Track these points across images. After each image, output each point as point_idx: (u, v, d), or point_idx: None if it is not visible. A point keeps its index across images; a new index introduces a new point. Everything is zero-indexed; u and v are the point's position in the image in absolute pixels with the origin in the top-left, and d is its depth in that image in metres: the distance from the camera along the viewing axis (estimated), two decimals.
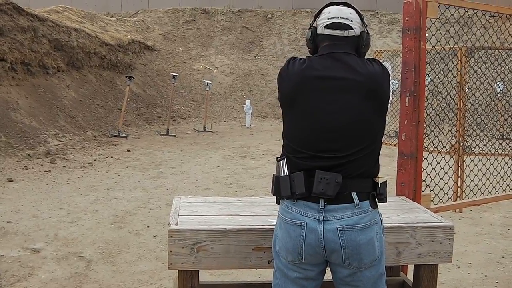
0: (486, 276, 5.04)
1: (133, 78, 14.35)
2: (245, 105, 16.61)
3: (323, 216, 2.43)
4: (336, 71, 2.48)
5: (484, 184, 5.43)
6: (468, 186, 5.54)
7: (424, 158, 3.83)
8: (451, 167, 5.14)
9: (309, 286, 2.55)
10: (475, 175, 5.34)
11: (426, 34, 3.74)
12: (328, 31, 2.54)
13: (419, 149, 3.71)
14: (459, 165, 7.07)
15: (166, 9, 21.30)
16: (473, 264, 5.33)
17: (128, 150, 11.40)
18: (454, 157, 6.99)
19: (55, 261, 5.09)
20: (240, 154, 11.79)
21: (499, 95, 13.15)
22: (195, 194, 7.90)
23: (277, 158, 2.60)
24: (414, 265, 3.08)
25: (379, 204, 2.55)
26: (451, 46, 7.68)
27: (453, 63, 7.15)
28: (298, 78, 2.51)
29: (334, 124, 2.45)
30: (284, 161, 2.54)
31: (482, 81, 7.93)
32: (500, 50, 8.36)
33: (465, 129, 7.28)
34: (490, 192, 5.09)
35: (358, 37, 2.54)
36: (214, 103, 17.84)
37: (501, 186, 5.19)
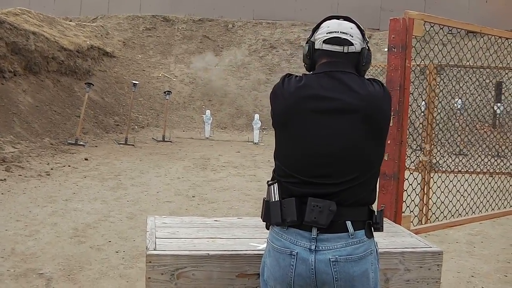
0: None
1: (92, 85, 14.02)
2: (204, 115, 16.42)
3: (315, 246, 2.26)
4: (333, 92, 2.31)
5: (451, 201, 5.39)
6: (434, 204, 5.51)
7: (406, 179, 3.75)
8: (419, 185, 5.09)
9: None
10: (442, 192, 5.30)
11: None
12: (326, 47, 2.37)
13: (401, 170, 3.62)
14: (426, 183, 7.03)
15: (126, 15, 20.96)
16: (444, 284, 5.26)
17: (86, 159, 11.08)
18: (422, 175, 6.95)
19: (13, 279, 4.81)
20: (201, 165, 11.60)
21: (458, 112, 13.35)
22: (157, 207, 7.69)
23: (268, 182, 2.41)
24: None
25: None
26: (418, 63, 7.71)
27: (419, 80, 7.15)
28: (292, 98, 2.34)
29: (327, 149, 2.29)
30: (275, 185, 2.36)
31: (449, 98, 7.98)
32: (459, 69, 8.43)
33: (433, 146, 7.26)
34: (457, 211, 5.05)
35: (359, 53, 2.38)
36: (173, 112, 17.59)
37: (468, 204, 5.15)
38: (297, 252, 2.28)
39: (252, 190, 9.13)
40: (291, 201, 2.29)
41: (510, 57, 6.34)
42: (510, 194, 6.27)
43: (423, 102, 10.66)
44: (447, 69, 7.58)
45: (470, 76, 8.15)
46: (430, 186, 7.00)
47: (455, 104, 13.92)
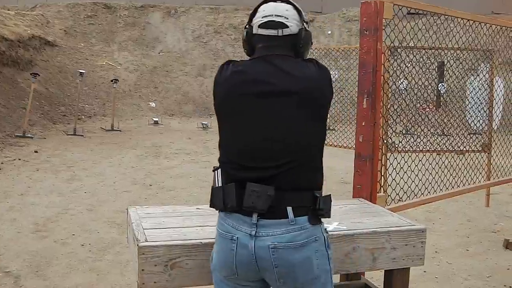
0: (425, 272, 5.11)
1: (38, 75, 13.68)
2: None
3: (255, 232, 2.24)
4: (267, 76, 2.28)
5: (407, 181, 5.50)
6: (398, 184, 5.62)
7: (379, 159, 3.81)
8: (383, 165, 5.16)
9: None
10: (397, 173, 5.41)
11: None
12: (262, 31, 2.35)
13: (375, 151, 3.68)
14: (383, 164, 7.15)
15: (66, 3, 20.41)
16: None
17: (36, 152, 10.81)
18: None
19: None
20: (153, 153, 11.50)
21: (403, 92, 13.63)
22: (115, 198, 7.59)
23: (213, 168, 2.42)
24: (385, 270, 3.03)
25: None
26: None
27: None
28: (228, 84, 2.33)
29: (263, 133, 2.27)
30: (219, 171, 2.37)
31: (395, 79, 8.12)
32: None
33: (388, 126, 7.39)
34: (417, 189, 5.16)
35: (296, 35, 2.34)
36: (119, 101, 17.29)
37: (424, 183, 5.25)
38: (237, 237, 2.27)
39: (208, 176, 9.02)
40: (231, 186, 2.28)
41: (448, 38, 6.49)
42: (461, 170, 6.46)
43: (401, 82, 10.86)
44: (400, 50, 7.68)
45: (414, 57, 8.33)
46: (387, 167, 7.12)
47: (401, 85, 14.24)
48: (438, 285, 4.85)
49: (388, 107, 7.28)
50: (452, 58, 8.39)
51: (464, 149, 7.27)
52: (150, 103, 18.18)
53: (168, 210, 3.21)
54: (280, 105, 2.25)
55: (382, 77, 3.65)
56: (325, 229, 2.37)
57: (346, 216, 3.13)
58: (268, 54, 2.33)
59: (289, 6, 2.37)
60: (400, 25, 4.17)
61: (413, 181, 4.69)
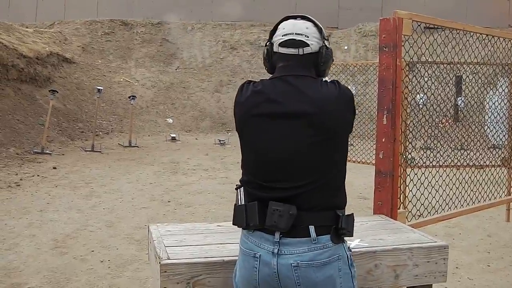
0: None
1: (57, 92, 13.82)
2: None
3: (278, 249, 2.25)
4: (283, 96, 2.28)
5: (428, 196, 5.48)
6: (419, 200, 5.59)
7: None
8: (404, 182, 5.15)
9: None
10: (418, 188, 5.38)
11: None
12: (282, 50, 2.35)
13: (395, 167, 3.66)
14: (403, 179, 7.10)
15: (84, 20, 20.66)
16: None
17: (54, 168, 10.88)
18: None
19: None
20: (171, 169, 11.52)
21: (420, 106, 13.57)
22: (134, 214, 7.61)
23: (236, 186, 2.42)
24: (407, 287, 3.01)
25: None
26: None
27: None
28: (247, 105, 2.35)
29: (278, 154, 2.28)
30: (241, 190, 2.37)
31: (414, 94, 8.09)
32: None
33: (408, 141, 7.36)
34: (440, 206, 5.13)
35: (317, 53, 2.34)
36: (136, 117, 17.41)
37: (444, 200, 5.22)
38: (260, 255, 2.28)
39: (226, 193, 9.10)
40: (253, 205, 2.29)
41: (467, 52, 6.47)
42: (481, 185, 6.41)
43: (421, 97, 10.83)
44: (419, 66, 7.68)
45: (433, 71, 8.29)
46: (407, 184, 7.08)
47: (420, 100, 14.18)
48: None
49: (408, 122, 7.26)
50: (470, 72, 8.36)
51: (484, 163, 7.23)
52: (167, 119, 18.28)
53: (188, 227, 3.22)
54: (291, 127, 2.26)
55: (401, 93, 3.64)
56: (348, 247, 2.37)
57: (367, 233, 3.12)
58: (287, 74, 2.31)
59: (309, 24, 2.36)
60: (418, 40, 4.17)
61: (433, 197, 4.66)
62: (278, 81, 2.33)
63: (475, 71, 8.03)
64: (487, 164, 7.19)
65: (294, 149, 2.25)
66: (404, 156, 7.08)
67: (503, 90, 7.46)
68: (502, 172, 6.78)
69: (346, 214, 2.32)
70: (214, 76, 20.23)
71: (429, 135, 10.08)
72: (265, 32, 21.37)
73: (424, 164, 7.29)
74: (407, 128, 6.98)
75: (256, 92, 2.33)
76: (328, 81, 2.35)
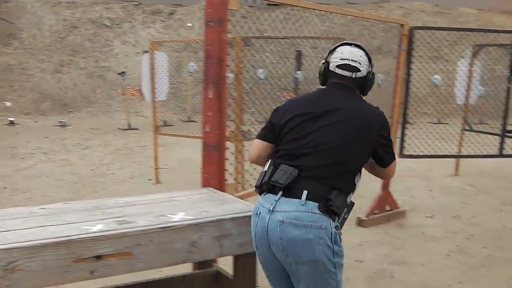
0: None
1: None
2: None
3: (274, 207, 2.64)
4: (334, 99, 2.83)
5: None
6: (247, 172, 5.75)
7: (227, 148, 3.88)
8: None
9: (270, 272, 2.84)
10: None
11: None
12: (339, 71, 2.88)
13: (222, 140, 3.74)
14: (239, 151, 7.25)
15: None
16: None
17: None
18: (235, 143, 7.17)
19: None
20: (8, 155, 10.95)
21: (261, 80, 13.92)
22: None
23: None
24: (234, 256, 3.10)
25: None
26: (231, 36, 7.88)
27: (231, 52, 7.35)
28: (299, 104, 2.89)
29: (310, 136, 2.73)
30: (270, 160, 2.82)
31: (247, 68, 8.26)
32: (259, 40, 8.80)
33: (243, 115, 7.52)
34: None
35: (365, 77, 2.89)
36: None
37: None
38: (260, 212, 2.71)
39: (65, 175, 8.85)
40: (270, 166, 2.77)
41: (305, 27, 6.75)
42: None
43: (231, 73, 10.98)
44: (254, 41, 7.85)
45: (275, 46, 8.57)
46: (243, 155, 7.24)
47: (258, 74, 14.53)
48: None
49: (243, 96, 7.39)
50: (310, 47, 8.69)
51: None
52: (5, 102, 17.31)
53: (11, 212, 3.10)
54: (332, 118, 2.74)
55: (237, 67, 3.71)
56: (336, 226, 2.67)
57: (193, 205, 3.17)
58: (338, 83, 2.88)
59: (362, 53, 2.91)
60: (260, 16, 4.26)
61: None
62: (332, 86, 2.91)
63: (315, 46, 8.39)
64: None
65: (328, 139, 2.71)
66: (240, 130, 7.24)
67: None
68: None
69: (342, 195, 2.67)
70: (54, 56, 19.39)
71: (271, 108, 10.31)
72: (108, 10, 20.85)
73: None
74: (242, 102, 7.12)
75: (313, 93, 2.96)
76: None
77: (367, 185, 7.83)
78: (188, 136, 9.07)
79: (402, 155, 6.28)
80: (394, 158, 2.94)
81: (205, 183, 3.72)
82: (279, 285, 2.87)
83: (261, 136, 2.96)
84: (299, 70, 14.15)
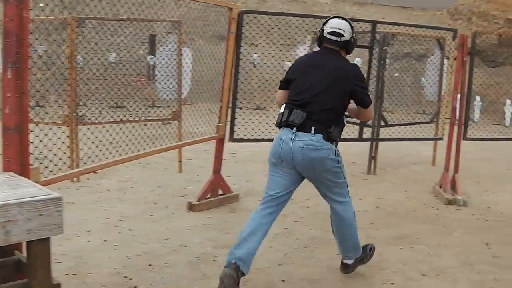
0: (105, 241, 5.18)
1: None
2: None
3: (294, 137, 4.08)
4: (322, 59, 4.29)
5: (100, 151, 5.57)
6: (86, 154, 5.61)
7: (31, 131, 3.72)
8: (59, 138, 5.11)
9: (282, 176, 4.23)
10: (90, 143, 5.42)
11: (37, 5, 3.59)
12: (329, 36, 4.27)
13: (24, 122, 3.57)
14: (73, 135, 7.05)
15: None
16: (93, 231, 5.43)
17: None
18: (67, 128, 6.96)
19: None
20: None
21: (112, 65, 13.48)
22: None
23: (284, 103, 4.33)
24: (27, 242, 2.97)
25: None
26: (62, 17, 7.59)
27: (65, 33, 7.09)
28: (299, 61, 4.45)
29: (308, 86, 4.16)
30: (285, 104, 4.24)
31: (95, 51, 8.02)
32: (113, 22, 8.52)
33: (78, 99, 7.29)
34: (106, 159, 5.24)
35: (348, 41, 4.29)
36: None
37: (117, 151, 5.36)
38: (284, 138, 4.13)
39: None
40: (287, 111, 4.16)
41: (163, 11, 6.65)
42: (157, 138, 6.68)
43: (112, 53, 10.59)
44: (88, 22, 7.60)
45: (125, 30, 8.33)
46: (77, 139, 7.04)
47: (109, 58, 14.10)
48: (116, 252, 4.92)
49: (76, 78, 7.17)
50: (166, 31, 8.52)
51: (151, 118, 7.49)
52: None
53: None
54: (324, 75, 4.15)
55: (29, 46, 3.54)
56: (336, 147, 4.22)
57: None
58: (327, 47, 4.29)
59: (346, 23, 4.30)
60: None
61: (86, 153, 4.67)
62: (322, 51, 4.35)
63: (170, 30, 8.24)
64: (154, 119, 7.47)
65: (321, 86, 4.13)
66: (75, 113, 7.03)
67: (172, 46, 7.73)
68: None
69: (336, 128, 4.15)
70: None
71: (122, 93, 10.04)
72: None
73: (97, 121, 7.32)
74: (75, 85, 6.91)
75: (311, 54, 4.65)
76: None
77: (201, 170, 8.01)
78: None
79: (232, 139, 6.37)
80: (371, 102, 4.38)
81: (6, 168, 3.53)
82: (280, 178, 4.23)
83: (282, 87, 4.39)
84: (153, 55, 13.94)
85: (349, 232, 4.48)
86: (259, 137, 6.90)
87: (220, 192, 6.56)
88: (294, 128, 4.06)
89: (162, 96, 8.04)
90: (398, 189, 7.78)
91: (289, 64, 4.69)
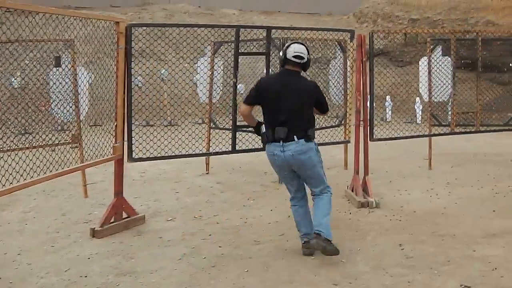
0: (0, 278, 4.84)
1: None
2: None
3: (283, 149, 5.22)
4: (289, 81, 5.31)
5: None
6: None
7: None
8: None
9: (289, 175, 5.46)
10: None
11: None
12: (293, 59, 5.29)
13: None
14: None
15: None
16: None
17: None
18: None
19: None
20: None
21: (18, 90, 12.90)
22: None
23: (258, 122, 5.52)
24: None
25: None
26: None
27: None
28: (269, 85, 5.41)
29: (284, 107, 5.22)
30: (265, 125, 5.36)
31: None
32: (15, 44, 8.09)
33: None
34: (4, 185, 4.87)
35: (306, 62, 5.35)
36: None
37: (14, 178, 4.98)
38: (275, 153, 5.27)
39: None
40: (269, 130, 5.28)
41: (68, 31, 6.38)
42: (63, 161, 6.33)
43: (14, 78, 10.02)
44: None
45: (38, 52, 7.92)
46: None
47: (12, 84, 13.54)
48: None
49: None
50: (38, 51, 8.13)
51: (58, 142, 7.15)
52: None
53: None
54: (294, 95, 5.22)
55: None
56: (315, 143, 5.42)
57: None
58: (291, 70, 5.34)
59: (304, 48, 5.33)
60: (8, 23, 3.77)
61: None
62: (286, 72, 5.37)
63: (77, 51, 7.87)
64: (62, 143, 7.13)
65: (294, 106, 5.21)
66: None
67: (66, 66, 7.37)
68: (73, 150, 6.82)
69: (311, 129, 5.35)
70: None
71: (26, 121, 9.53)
72: None
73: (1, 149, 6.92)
74: None
75: (276, 77, 5.62)
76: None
77: (108, 194, 7.60)
78: None
79: (131, 159, 6.13)
80: (328, 108, 5.65)
81: None
82: (291, 182, 5.49)
83: (248, 103, 5.37)
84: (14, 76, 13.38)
85: (328, 207, 5.42)
86: (166, 155, 6.69)
87: (125, 215, 6.27)
88: (281, 141, 5.21)
89: (60, 118, 7.63)
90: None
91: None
